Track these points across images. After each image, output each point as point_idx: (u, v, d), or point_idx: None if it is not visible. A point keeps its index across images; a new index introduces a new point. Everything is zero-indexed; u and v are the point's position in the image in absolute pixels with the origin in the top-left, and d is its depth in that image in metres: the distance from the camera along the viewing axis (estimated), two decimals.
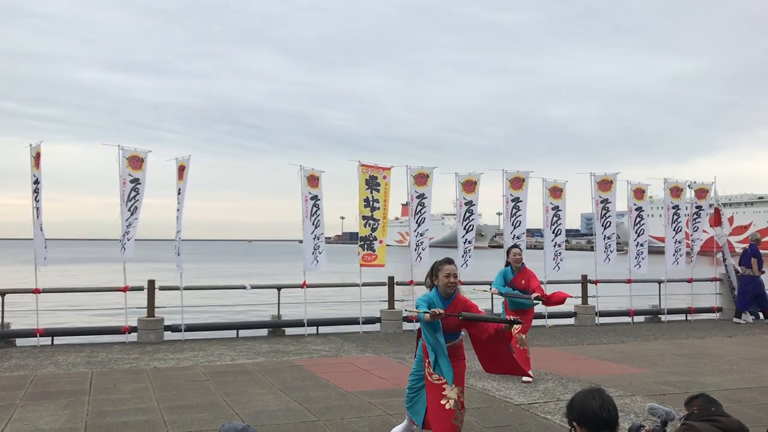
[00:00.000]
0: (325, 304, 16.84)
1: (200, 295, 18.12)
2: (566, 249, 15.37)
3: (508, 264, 9.57)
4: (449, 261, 5.76)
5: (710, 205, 16.93)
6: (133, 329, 12.52)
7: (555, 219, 14.96)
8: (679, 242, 16.36)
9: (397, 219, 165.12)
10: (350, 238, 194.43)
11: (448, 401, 5.66)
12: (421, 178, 14.01)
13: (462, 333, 5.86)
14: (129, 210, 12.38)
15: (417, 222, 13.97)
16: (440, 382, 5.68)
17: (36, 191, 11.72)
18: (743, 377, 9.26)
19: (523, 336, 9.18)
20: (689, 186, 16.68)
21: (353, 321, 14.08)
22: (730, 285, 16.70)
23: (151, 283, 12.72)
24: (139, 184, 12.51)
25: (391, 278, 14.16)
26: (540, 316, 14.73)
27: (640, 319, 16.41)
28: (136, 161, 12.49)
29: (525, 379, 8.87)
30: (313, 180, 13.36)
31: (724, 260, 16.90)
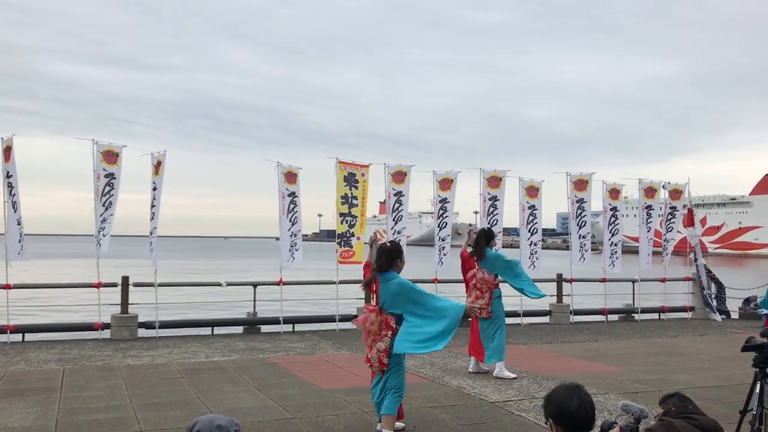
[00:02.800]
0: (302, 301, 16.77)
1: (175, 292, 17.93)
2: (542, 248, 15.49)
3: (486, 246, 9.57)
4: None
5: (684, 206, 17.15)
6: (106, 326, 12.36)
7: (531, 218, 15.05)
8: (652, 242, 16.56)
9: (375, 217, 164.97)
10: (327, 235, 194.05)
11: None
12: (399, 176, 14.01)
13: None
14: (103, 205, 12.22)
15: (394, 220, 13.97)
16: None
17: (10, 185, 11.51)
18: (714, 375, 9.40)
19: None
20: (663, 187, 16.88)
21: (330, 319, 14.05)
22: (701, 285, 16.95)
23: (125, 279, 12.58)
24: (114, 179, 12.35)
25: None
26: (515, 314, 14.82)
27: (614, 317, 16.59)
28: (111, 156, 12.33)
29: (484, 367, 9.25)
30: (290, 176, 13.29)
31: (696, 260, 17.13)
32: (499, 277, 9.44)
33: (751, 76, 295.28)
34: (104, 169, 12.24)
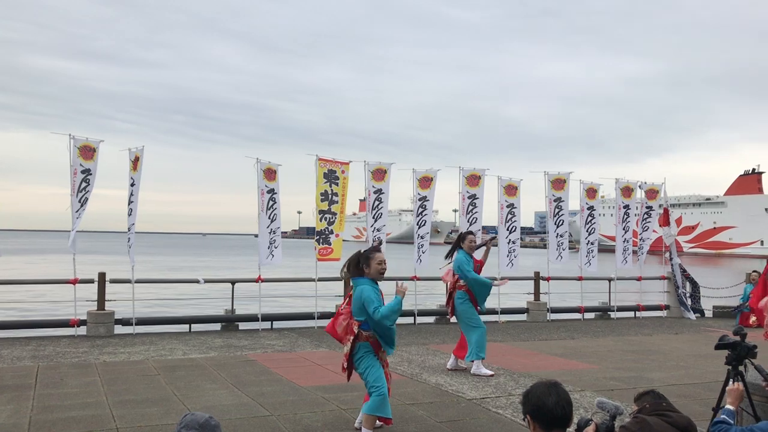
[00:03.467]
0: (281, 298, 16.73)
1: (152, 289, 17.83)
2: (520, 246, 15.58)
3: (458, 248, 9.57)
4: (378, 249, 6.20)
5: (660, 206, 17.36)
6: (82, 322, 12.23)
7: (510, 216, 15.14)
8: (628, 241, 16.74)
9: (354, 215, 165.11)
10: (307, 233, 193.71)
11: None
12: (379, 174, 14.01)
13: None
14: (80, 201, 12.08)
15: (374, 217, 13.98)
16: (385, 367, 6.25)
17: None
18: (688, 373, 9.53)
19: None
20: (640, 186, 17.07)
21: (308, 316, 14.03)
22: (676, 284, 17.17)
23: (102, 275, 12.46)
24: (90, 174, 12.21)
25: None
26: (493, 312, 14.91)
27: (591, 315, 16.75)
28: (88, 151, 12.19)
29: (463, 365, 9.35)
30: (270, 173, 13.25)
31: (671, 259, 17.35)
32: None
33: (726, 77, 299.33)
34: (81, 165, 12.09)
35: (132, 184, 12.57)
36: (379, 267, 6.07)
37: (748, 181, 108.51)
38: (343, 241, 13.78)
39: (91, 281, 12.52)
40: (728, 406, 4.28)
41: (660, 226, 17.39)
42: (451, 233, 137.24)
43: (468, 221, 14.67)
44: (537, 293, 16.09)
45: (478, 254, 9.78)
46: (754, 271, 16.63)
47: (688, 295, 17.44)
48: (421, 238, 14.52)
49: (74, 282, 12.24)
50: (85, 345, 11.11)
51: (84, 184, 12.12)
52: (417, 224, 14.57)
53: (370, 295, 5.95)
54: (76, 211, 12.04)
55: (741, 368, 4.97)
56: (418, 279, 14.72)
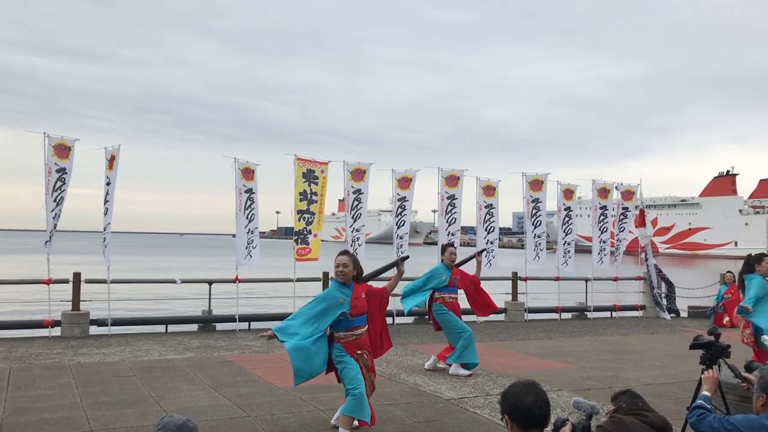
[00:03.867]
0: (258, 299, 16.64)
1: (128, 289, 17.61)
2: (498, 247, 15.65)
3: (442, 260, 9.68)
4: (342, 252, 6.30)
5: (636, 207, 17.53)
6: (56, 323, 12.07)
7: (488, 217, 15.20)
8: (604, 242, 16.89)
9: (334, 215, 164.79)
10: (285, 233, 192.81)
11: (369, 387, 6.31)
12: (358, 174, 13.99)
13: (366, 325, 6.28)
14: (55, 201, 11.92)
15: (353, 218, 13.96)
16: (364, 372, 6.19)
17: None
18: (664, 373, 9.63)
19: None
20: (616, 188, 17.23)
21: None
22: (651, 284, 17.35)
23: (77, 275, 12.30)
24: (66, 173, 12.06)
25: (325, 273, 14.09)
26: (471, 312, 14.92)
27: (568, 316, 16.87)
28: (63, 150, 12.03)
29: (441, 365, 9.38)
30: (247, 173, 13.17)
31: (647, 260, 17.53)
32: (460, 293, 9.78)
33: (703, 80, 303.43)
34: (56, 164, 11.94)
35: (108, 183, 12.43)
36: (336, 270, 6.17)
37: (723, 183, 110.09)
38: (322, 241, 13.74)
39: (65, 281, 12.36)
40: (705, 392, 4.34)
41: (636, 227, 17.57)
42: (430, 234, 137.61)
43: (447, 222, 14.71)
44: (515, 293, 16.17)
45: (470, 269, 9.87)
46: (729, 272, 16.86)
47: (663, 295, 17.64)
48: (400, 238, 14.52)
49: (48, 282, 12.07)
50: (60, 346, 10.96)
51: (59, 183, 11.97)
52: (396, 225, 14.58)
53: (321, 294, 6.37)
54: (52, 211, 11.88)
55: (715, 367, 5.03)
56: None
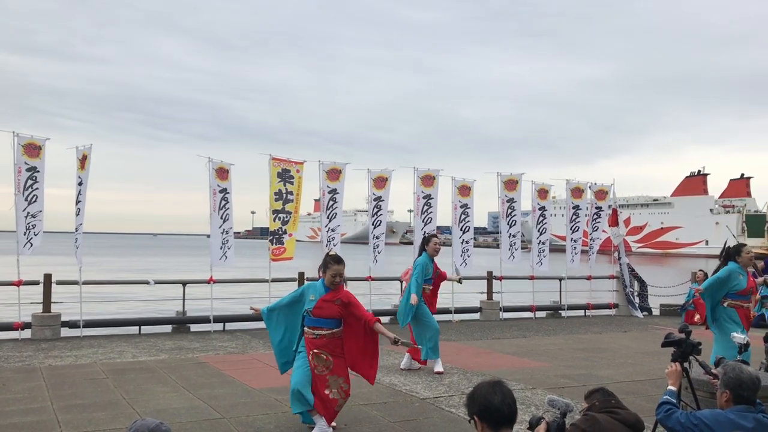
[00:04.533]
0: (233, 300, 16.52)
1: (101, 290, 17.39)
2: (474, 246, 15.72)
3: (423, 251, 9.63)
4: (338, 261, 6.27)
5: (609, 206, 17.72)
6: (27, 325, 11.87)
7: (463, 217, 15.26)
8: (577, 241, 17.05)
9: (309, 215, 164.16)
10: (261, 233, 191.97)
11: (331, 391, 6.18)
12: (334, 174, 13.97)
13: (341, 327, 6.32)
14: (26, 200, 11.74)
15: (329, 217, 13.92)
16: (325, 373, 6.17)
17: None
18: (636, 370, 9.75)
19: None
20: (590, 187, 17.40)
21: (261, 317, 13.85)
22: (624, 283, 17.55)
23: (48, 276, 12.12)
24: (37, 172, 11.88)
25: (301, 274, 14.06)
26: (446, 311, 15.00)
27: (542, 314, 16.99)
28: (33, 149, 11.85)
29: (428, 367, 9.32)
30: (222, 172, 13.08)
31: (620, 259, 17.73)
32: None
33: (675, 81, 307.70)
34: (26, 163, 11.76)
35: (80, 183, 12.27)
36: (332, 279, 6.25)
37: (694, 183, 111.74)
38: (297, 241, 13.70)
39: (36, 283, 12.17)
40: (670, 387, 4.40)
41: (609, 226, 17.76)
42: (406, 233, 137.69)
43: (423, 221, 14.74)
44: (490, 292, 16.25)
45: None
46: (700, 270, 17.12)
47: (636, 293, 17.86)
48: (377, 238, 14.52)
49: (18, 284, 11.86)
50: (30, 348, 10.78)
51: (31, 182, 11.80)
52: (372, 224, 14.58)
53: (305, 285, 6.68)
54: (24, 210, 11.69)
55: (686, 365, 5.11)
56: (373, 279, 14.73)
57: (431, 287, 9.62)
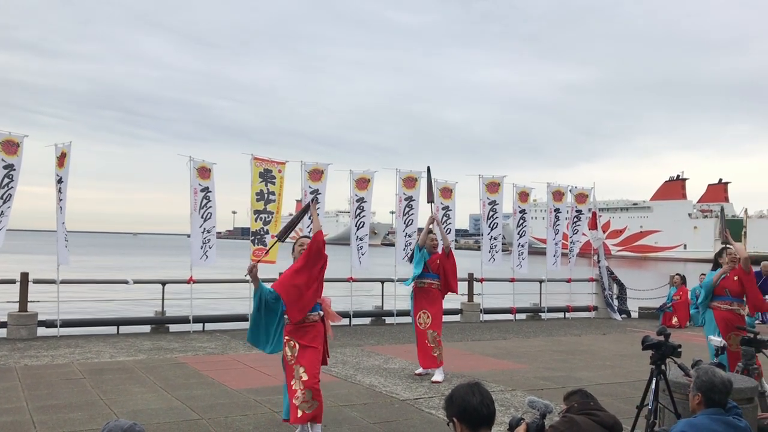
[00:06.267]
0: (213, 300, 16.42)
1: (78, 290, 17.18)
2: (455, 248, 15.73)
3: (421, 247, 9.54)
4: (304, 235, 6.56)
5: (589, 210, 17.84)
6: (2, 324, 11.72)
7: (445, 219, 15.28)
8: (557, 244, 17.16)
9: (290, 215, 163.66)
10: (242, 233, 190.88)
11: (296, 382, 5.91)
12: (316, 174, 13.93)
13: (319, 312, 6.21)
14: (2, 198, 11.57)
15: (310, 218, 13.85)
16: (293, 362, 5.94)
17: None
18: (615, 372, 9.82)
19: (435, 333, 9.14)
20: (570, 190, 17.51)
21: (241, 318, 13.81)
22: (603, 286, 17.69)
23: (24, 275, 11.96)
24: (14, 170, 11.71)
25: (281, 274, 13.98)
26: None
27: (522, 316, 17.08)
28: (11, 146, 11.70)
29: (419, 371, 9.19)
30: (203, 171, 13.00)
31: (599, 262, 17.87)
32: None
33: (656, 86, 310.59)
34: (3, 160, 11.60)
35: (59, 181, 12.12)
36: (301, 248, 6.61)
37: (673, 187, 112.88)
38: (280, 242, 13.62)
39: (12, 281, 12.01)
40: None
41: (589, 229, 17.88)
42: (388, 235, 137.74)
43: (404, 223, 14.74)
44: (470, 294, 16.29)
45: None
46: (677, 274, 17.29)
47: (615, 296, 18.01)
48: (360, 239, 14.49)
49: None
50: (5, 348, 10.64)
51: (7, 180, 11.63)
52: (355, 225, 14.55)
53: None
54: None
55: (663, 367, 5.15)
56: (354, 280, 14.71)
57: (427, 281, 9.36)
